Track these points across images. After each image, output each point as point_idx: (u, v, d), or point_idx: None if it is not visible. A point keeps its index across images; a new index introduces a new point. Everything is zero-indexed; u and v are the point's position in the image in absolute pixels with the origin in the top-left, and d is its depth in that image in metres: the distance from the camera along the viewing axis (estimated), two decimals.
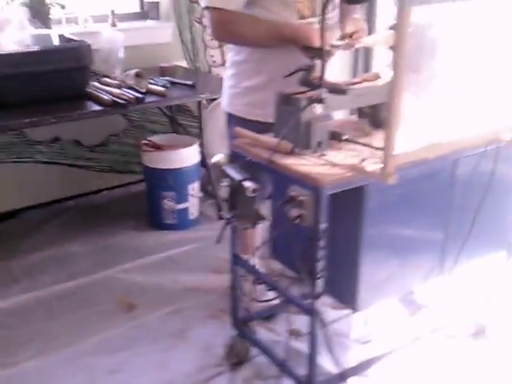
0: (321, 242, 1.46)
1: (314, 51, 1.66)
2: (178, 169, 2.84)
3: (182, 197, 2.89)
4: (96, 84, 2.65)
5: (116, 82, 2.65)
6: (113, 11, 3.09)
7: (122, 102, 2.43)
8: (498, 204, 1.79)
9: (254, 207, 1.58)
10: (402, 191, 1.57)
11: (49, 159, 3.11)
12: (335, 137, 1.64)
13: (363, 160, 1.47)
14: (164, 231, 2.90)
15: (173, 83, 2.81)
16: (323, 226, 1.45)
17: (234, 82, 1.99)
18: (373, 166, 1.44)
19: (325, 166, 1.50)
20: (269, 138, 1.64)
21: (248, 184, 1.54)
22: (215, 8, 1.79)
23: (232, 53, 1.98)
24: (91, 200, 3.27)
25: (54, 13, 2.93)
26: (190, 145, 2.91)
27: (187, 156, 2.86)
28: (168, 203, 2.87)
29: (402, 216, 1.62)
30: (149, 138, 2.98)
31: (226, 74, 2.04)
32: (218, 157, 1.68)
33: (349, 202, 1.55)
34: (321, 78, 1.52)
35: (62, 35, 2.66)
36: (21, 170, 3.03)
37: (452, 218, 1.69)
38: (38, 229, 2.94)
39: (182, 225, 2.92)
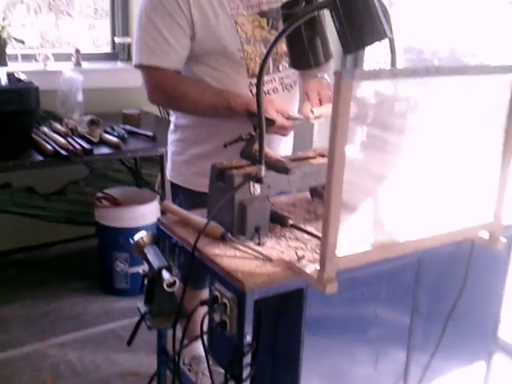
0: (245, 358, 1.16)
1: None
2: (134, 228, 2.55)
3: (136, 259, 2.58)
4: (45, 129, 2.40)
5: (65, 129, 2.40)
6: (78, 50, 2.88)
7: (65, 153, 2.17)
8: (475, 308, 1.49)
9: (173, 302, 1.30)
10: (352, 295, 1.28)
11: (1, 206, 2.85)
12: (279, 220, 1.36)
13: (302, 257, 1.18)
14: (113, 297, 2.60)
15: (132, 133, 2.55)
16: (248, 338, 1.15)
17: (180, 148, 1.72)
18: (313, 264, 1.15)
19: (257, 259, 1.21)
20: (201, 219, 1.36)
21: (166, 275, 1.25)
22: (149, 67, 1.54)
23: (176, 115, 1.72)
24: (43, 253, 2.99)
25: (12, 48, 2.72)
26: (150, 200, 2.63)
27: (144, 213, 2.58)
28: (120, 265, 2.58)
29: (351, 325, 1.31)
30: (105, 191, 2.71)
31: (171, 139, 1.77)
32: (141, 234, 1.40)
33: (287, 304, 1.26)
34: (259, 151, 1.25)
35: (12, 74, 2.41)
36: None
37: (417, 327, 1.39)
38: None
39: (134, 291, 2.60)
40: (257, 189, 1.29)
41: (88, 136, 2.38)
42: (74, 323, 2.40)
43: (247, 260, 1.21)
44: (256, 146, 1.32)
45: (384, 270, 1.29)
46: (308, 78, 1.59)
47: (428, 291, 1.36)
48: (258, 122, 1.21)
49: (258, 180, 1.26)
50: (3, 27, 2.60)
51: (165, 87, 1.55)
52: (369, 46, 1.19)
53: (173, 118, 1.74)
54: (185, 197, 1.72)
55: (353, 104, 1.02)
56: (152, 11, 1.51)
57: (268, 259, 1.21)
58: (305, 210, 1.49)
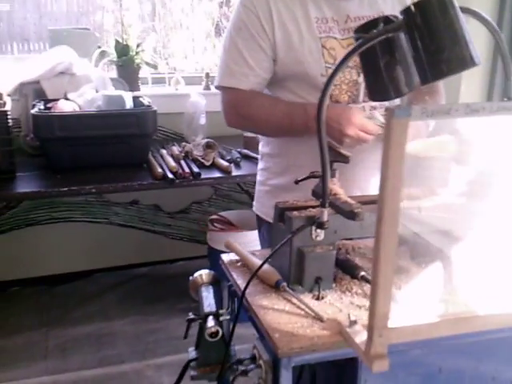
0: None
1: (334, 152, 1.25)
2: None
3: None
4: (162, 152, 2.46)
5: (180, 152, 2.43)
6: (207, 74, 2.92)
7: (172, 176, 2.18)
8: None
9: (221, 353, 1.18)
10: (427, 371, 1.05)
11: (125, 222, 2.98)
12: (348, 270, 1.18)
13: (354, 321, 0.99)
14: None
15: (247, 157, 2.51)
16: None
17: (264, 178, 1.62)
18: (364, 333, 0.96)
19: (308, 317, 1.05)
20: (259, 262, 1.23)
21: (210, 323, 1.15)
22: (228, 88, 1.46)
23: (261, 142, 1.62)
24: (165, 269, 3.07)
25: (144, 72, 2.84)
26: None
27: (253, 239, 2.51)
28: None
29: None
30: (222, 213, 2.70)
31: (258, 167, 1.67)
32: (201, 272, 1.32)
33: (344, 373, 1.07)
34: (323, 191, 1.09)
35: (137, 98, 2.52)
36: (96, 230, 2.94)
37: None
38: (96, 297, 2.79)
39: (243, 317, 2.53)
40: (319, 234, 1.13)
41: (201, 159, 2.37)
42: (175, 345, 2.39)
43: (295, 317, 1.05)
44: (332, 185, 1.17)
45: (471, 344, 1.04)
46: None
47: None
48: (321, 154, 1.05)
49: (320, 225, 1.10)
50: (137, 53, 2.73)
51: (239, 107, 1.47)
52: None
53: (259, 146, 1.64)
54: (267, 231, 1.61)
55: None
56: (235, 33, 1.44)
57: (319, 318, 1.04)
58: None
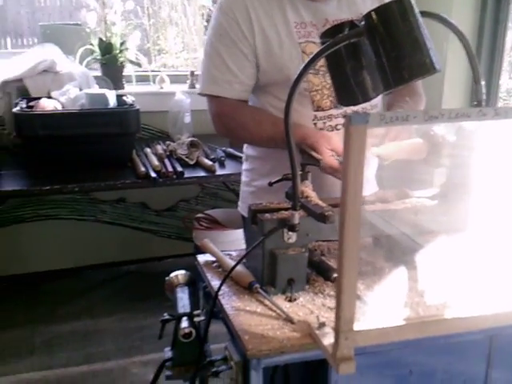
0: None
1: (306, 155, 1.26)
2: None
3: None
4: (147, 150, 2.46)
5: (164, 151, 2.43)
6: (192, 72, 2.92)
7: (154, 175, 2.19)
8: None
9: (194, 353, 1.19)
10: (399, 373, 1.07)
11: (112, 220, 2.99)
12: (322, 272, 1.20)
13: (322, 323, 1.01)
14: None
15: (232, 156, 2.52)
16: None
17: (248, 179, 1.63)
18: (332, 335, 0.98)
19: (279, 319, 1.06)
20: (232, 263, 1.24)
21: (184, 324, 1.16)
22: (212, 96, 1.46)
23: (246, 144, 1.63)
24: (153, 267, 3.08)
25: (129, 71, 2.84)
26: None
27: (239, 238, 2.52)
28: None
29: None
30: (206, 212, 2.71)
31: (242, 168, 1.68)
32: (177, 272, 1.33)
33: (315, 373, 1.09)
34: (293, 194, 1.11)
35: (121, 96, 2.52)
36: (83, 227, 2.95)
37: None
38: (83, 294, 2.81)
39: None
40: (292, 237, 1.14)
41: (185, 158, 2.38)
42: (161, 342, 2.40)
43: (266, 318, 1.06)
44: (304, 187, 1.18)
45: (441, 347, 1.06)
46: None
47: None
48: (290, 158, 1.07)
49: (291, 228, 1.11)
50: (121, 51, 2.73)
51: (224, 117, 1.47)
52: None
53: (244, 147, 1.65)
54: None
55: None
56: (216, 39, 1.44)
57: (289, 320, 1.05)
58: (363, 261, 1.29)
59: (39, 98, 2.40)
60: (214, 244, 2.57)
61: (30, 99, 2.42)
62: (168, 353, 1.25)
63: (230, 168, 2.40)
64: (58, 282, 2.88)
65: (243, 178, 1.67)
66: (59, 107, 2.36)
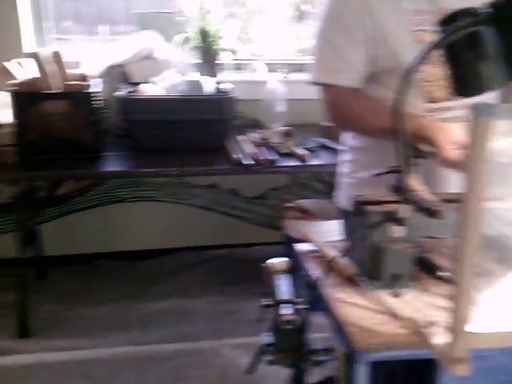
0: None
1: (420, 151, 1.22)
2: None
3: None
4: (241, 138, 2.49)
5: (259, 139, 2.45)
6: (285, 62, 2.91)
7: (248, 163, 2.21)
8: None
9: (295, 341, 1.20)
10: (509, 379, 1.02)
11: (204, 204, 3.06)
12: (427, 269, 1.16)
13: (432, 323, 0.98)
14: None
15: (325, 147, 2.49)
16: None
17: (350, 170, 1.60)
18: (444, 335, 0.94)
19: (384, 314, 1.05)
20: (333, 251, 1.24)
21: (283, 310, 1.17)
22: (326, 85, 1.45)
23: (351, 135, 1.60)
24: (243, 253, 3.13)
25: (224, 58, 2.87)
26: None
27: (330, 230, 2.50)
28: None
29: None
30: (298, 202, 2.70)
31: (341, 159, 1.66)
32: (275, 259, 1.34)
33: (422, 373, 1.06)
34: (399, 188, 1.08)
35: (219, 83, 2.56)
36: (176, 210, 3.04)
37: None
38: (175, 274, 2.90)
39: (318, 305, 2.55)
40: (398, 230, 1.11)
41: (279, 147, 2.39)
42: (250, 327, 2.44)
43: (371, 312, 1.05)
44: (412, 181, 1.15)
45: None
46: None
47: None
48: (400, 150, 1.04)
49: (397, 221, 1.09)
50: (218, 38, 2.77)
51: (339, 106, 1.45)
52: None
53: (347, 138, 1.62)
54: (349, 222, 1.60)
55: None
56: (329, 26, 1.41)
57: (395, 316, 1.03)
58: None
59: (140, 84, 2.49)
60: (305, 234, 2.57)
61: (132, 84, 2.52)
62: (267, 338, 1.26)
63: (323, 159, 2.38)
64: (151, 262, 2.99)
65: (343, 169, 1.64)
66: (160, 93, 2.43)
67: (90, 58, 2.75)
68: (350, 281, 1.14)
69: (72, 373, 2.14)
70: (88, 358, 2.22)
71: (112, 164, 2.32)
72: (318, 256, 1.28)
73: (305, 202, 2.70)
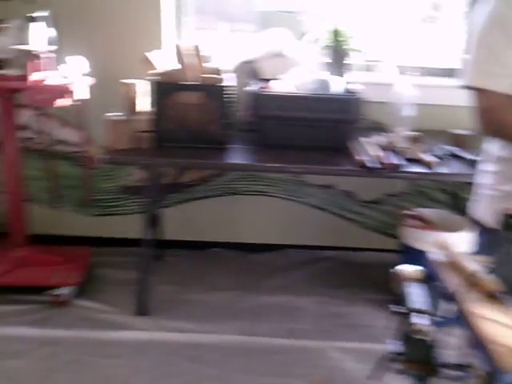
0: None
1: None
2: None
3: None
4: (365, 139, 2.46)
5: (382, 142, 2.40)
6: (417, 65, 2.83)
7: (371, 165, 2.17)
8: None
9: (425, 353, 1.16)
10: None
11: (317, 204, 3.06)
12: None
13: None
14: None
15: (454, 155, 2.39)
16: None
17: (492, 181, 1.53)
18: None
19: None
20: (476, 267, 1.18)
21: (415, 320, 1.14)
22: (483, 90, 1.39)
23: (497, 145, 1.51)
24: (353, 256, 3.09)
25: (354, 58, 2.84)
26: (460, 229, 2.43)
27: (453, 242, 2.39)
28: None
29: None
30: (416, 210, 2.62)
31: (483, 169, 1.59)
32: (406, 266, 1.31)
33: None
34: None
35: (344, 83, 2.54)
36: (289, 207, 3.06)
37: None
38: (285, 270, 2.93)
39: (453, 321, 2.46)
40: None
41: (404, 152, 2.33)
42: (359, 332, 2.42)
43: None
44: None
45: None
46: None
47: None
48: None
49: None
50: (347, 39, 2.74)
51: (493, 113, 1.40)
52: None
53: (489, 147, 1.55)
54: (486, 237, 1.52)
55: None
56: (493, 29, 1.36)
57: None
58: None
59: (270, 80, 2.54)
60: (422, 243, 2.49)
61: (261, 80, 2.57)
62: (394, 346, 1.24)
63: (450, 167, 2.28)
64: (263, 256, 3.04)
65: (484, 181, 1.57)
66: (287, 90, 2.46)
67: (222, 52, 2.84)
68: (493, 297, 1.09)
69: (182, 354, 2.22)
70: (199, 342, 2.30)
71: (236, 156, 2.38)
72: (455, 268, 1.23)
73: (425, 211, 2.61)
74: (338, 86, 2.51)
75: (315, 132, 2.41)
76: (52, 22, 2.30)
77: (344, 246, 3.12)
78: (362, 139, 2.49)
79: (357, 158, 2.27)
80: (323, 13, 2.92)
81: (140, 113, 2.36)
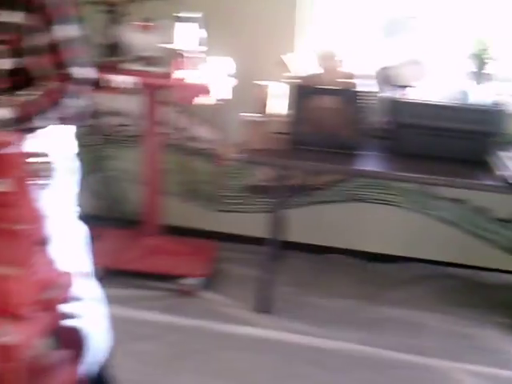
0: None
1: None
2: None
3: None
4: (505, 154, 2.33)
5: None
6: None
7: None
8: None
9: None
10: None
11: (448, 219, 2.93)
12: None
13: None
14: None
15: None
16: None
17: None
18: None
19: None
20: None
21: None
22: None
23: None
24: (483, 277, 2.92)
25: (496, 68, 2.70)
26: None
27: None
28: None
29: None
30: None
31: None
32: None
33: None
34: None
35: (487, 94, 2.42)
36: (414, 219, 2.96)
37: None
38: (407, 284, 2.85)
39: None
40: None
41: None
42: (487, 356, 2.29)
43: None
44: None
45: None
46: None
47: None
48: None
49: None
50: (489, 48, 2.61)
51: None
52: None
53: None
54: None
55: None
56: None
57: None
58: None
59: (405, 87, 2.48)
60: None
61: (396, 87, 2.52)
62: None
63: None
64: (385, 266, 2.97)
65: None
66: (425, 98, 2.40)
67: (354, 57, 2.82)
68: None
69: (303, 357, 2.22)
70: (320, 347, 2.29)
71: (368, 163, 2.35)
72: None
73: None
74: (480, 96, 2.40)
75: (453, 143, 2.33)
76: (204, 23, 2.40)
77: (473, 265, 2.97)
78: (502, 153, 2.36)
79: (498, 172, 2.15)
80: (463, 21, 2.80)
81: (273, 114, 2.40)
